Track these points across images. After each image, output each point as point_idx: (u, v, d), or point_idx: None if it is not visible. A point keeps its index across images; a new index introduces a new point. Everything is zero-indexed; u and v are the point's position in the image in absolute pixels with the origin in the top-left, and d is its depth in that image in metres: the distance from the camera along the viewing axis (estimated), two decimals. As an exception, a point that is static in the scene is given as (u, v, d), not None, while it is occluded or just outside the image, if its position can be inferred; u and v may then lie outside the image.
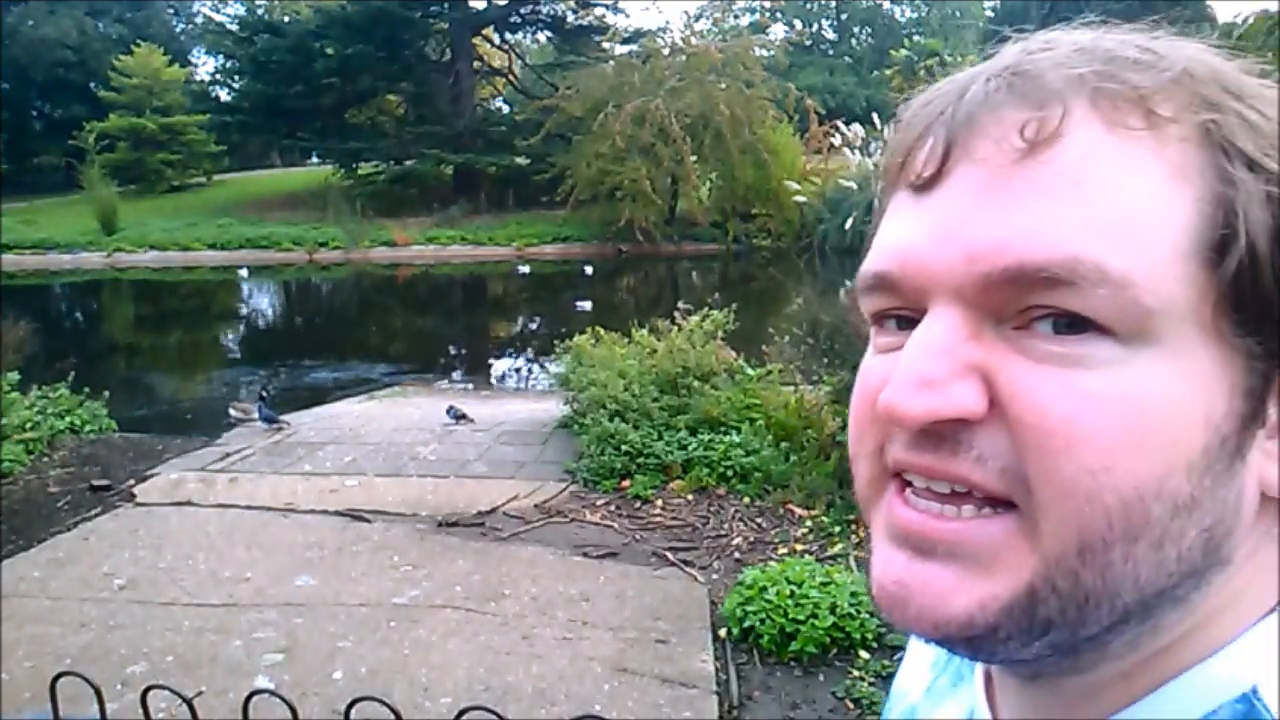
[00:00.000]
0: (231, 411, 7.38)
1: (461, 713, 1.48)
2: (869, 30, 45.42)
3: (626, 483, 5.35)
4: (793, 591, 3.53)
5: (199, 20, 39.89)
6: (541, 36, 35.55)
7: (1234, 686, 0.35)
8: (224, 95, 35.20)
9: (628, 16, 50.42)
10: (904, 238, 0.38)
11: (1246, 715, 0.35)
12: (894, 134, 0.41)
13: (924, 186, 0.38)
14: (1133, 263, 0.33)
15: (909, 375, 0.35)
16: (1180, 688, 0.37)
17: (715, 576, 4.29)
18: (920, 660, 0.56)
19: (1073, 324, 0.34)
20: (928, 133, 0.38)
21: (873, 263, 0.39)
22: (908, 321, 0.38)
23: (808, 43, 41.51)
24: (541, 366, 10.53)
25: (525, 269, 21.00)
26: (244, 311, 19.47)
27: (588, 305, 13.72)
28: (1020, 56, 0.37)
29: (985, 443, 0.35)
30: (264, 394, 7.15)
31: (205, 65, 40.34)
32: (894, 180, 0.40)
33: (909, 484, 0.37)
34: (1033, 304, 0.34)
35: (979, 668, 0.48)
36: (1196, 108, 0.35)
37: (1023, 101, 0.35)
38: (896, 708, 0.56)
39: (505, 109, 35.12)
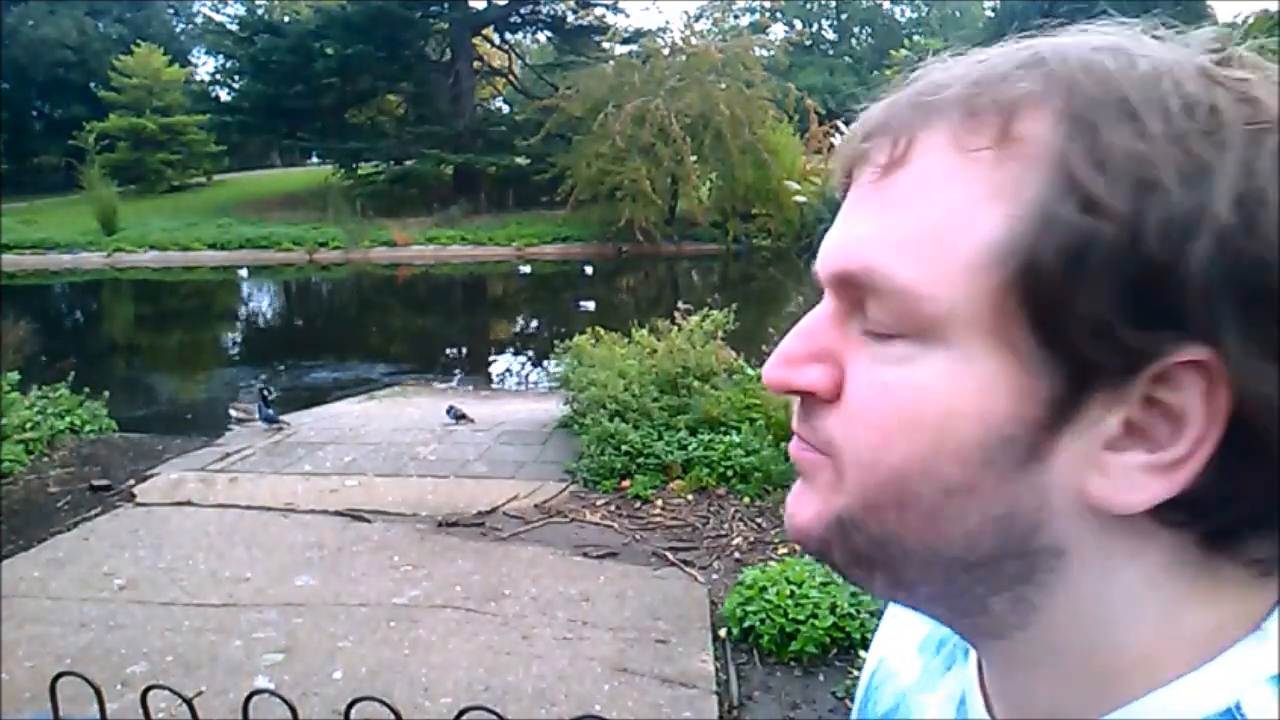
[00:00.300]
0: (232, 412, 7.38)
1: (461, 713, 1.48)
2: (869, 30, 45.45)
3: (626, 483, 5.35)
4: (793, 591, 3.53)
5: (199, 20, 39.91)
6: (541, 36, 35.56)
7: (1216, 701, 0.36)
8: (224, 95, 35.21)
9: (628, 16, 50.39)
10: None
11: None
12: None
13: (841, 199, 0.43)
14: (920, 274, 0.36)
15: (778, 351, 0.42)
16: (1158, 701, 0.37)
17: (715, 576, 4.29)
18: (905, 640, 0.56)
19: None
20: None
21: None
22: None
23: (808, 43, 41.52)
24: (541, 366, 10.53)
25: (526, 269, 20.99)
26: (244, 311, 19.48)
27: (591, 305, 13.68)
28: (917, 78, 0.40)
29: (821, 419, 0.41)
30: (265, 394, 7.15)
31: (205, 65, 40.39)
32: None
33: None
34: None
35: (973, 651, 0.48)
36: (1048, 126, 0.35)
37: (892, 127, 0.39)
38: (886, 689, 0.56)
39: (505, 109, 35.11)
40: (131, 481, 5.76)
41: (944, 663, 0.51)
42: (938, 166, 0.37)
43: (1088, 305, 0.34)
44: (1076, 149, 0.34)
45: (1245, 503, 0.35)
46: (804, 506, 0.42)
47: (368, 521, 5.01)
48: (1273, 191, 0.33)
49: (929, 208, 0.37)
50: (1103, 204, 0.34)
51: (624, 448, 5.45)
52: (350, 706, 1.54)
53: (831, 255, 0.41)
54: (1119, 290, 0.33)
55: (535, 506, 5.18)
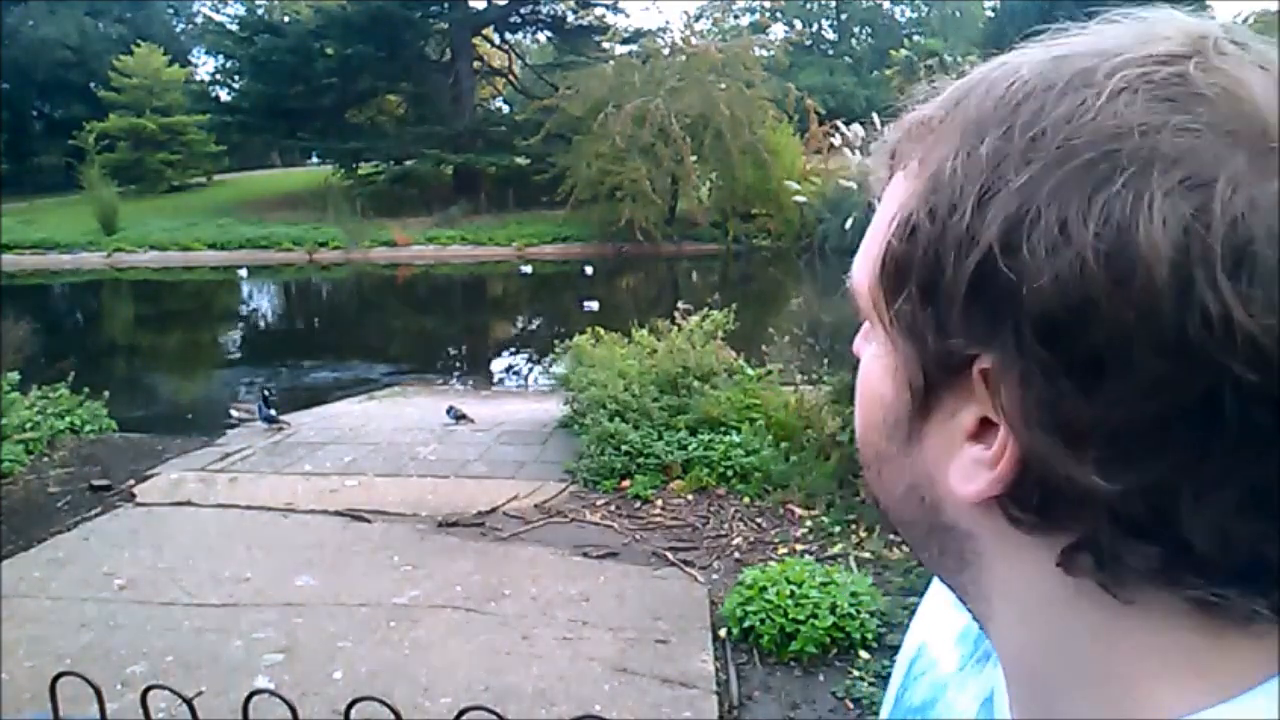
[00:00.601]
0: (232, 412, 7.38)
1: (461, 713, 1.48)
2: (869, 30, 45.41)
3: (626, 483, 5.35)
4: (793, 591, 3.53)
5: (199, 20, 39.91)
6: (541, 36, 35.57)
7: None
8: (224, 95, 35.22)
9: (628, 16, 50.24)
10: None
11: None
12: None
13: None
14: (859, 277, 0.42)
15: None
16: None
17: (715, 576, 4.29)
18: (945, 627, 0.55)
19: None
20: None
21: None
22: None
23: (808, 43, 41.50)
24: (542, 366, 10.53)
25: (528, 269, 20.97)
26: (244, 312, 19.49)
27: (595, 305, 13.65)
28: (937, 89, 0.42)
29: None
30: (266, 394, 7.15)
31: (205, 65, 40.35)
32: None
33: None
34: None
35: None
36: (940, 149, 0.37)
37: (889, 143, 0.43)
38: (924, 680, 0.56)
39: (505, 109, 35.13)
40: (131, 481, 5.75)
41: (979, 660, 0.52)
42: (894, 183, 0.41)
43: (907, 312, 0.38)
44: (935, 173, 0.37)
45: (1076, 519, 0.35)
46: None
47: (368, 521, 5.01)
48: (1050, 212, 0.33)
49: (877, 219, 0.42)
50: (917, 225, 0.37)
51: (624, 448, 5.45)
52: (350, 706, 1.54)
53: None
54: (922, 301, 0.37)
55: (535, 506, 5.18)
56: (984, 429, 0.37)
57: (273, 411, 6.97)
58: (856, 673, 3.33)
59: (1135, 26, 0.36)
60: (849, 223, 19.88)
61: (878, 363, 0.42)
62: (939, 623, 0.57)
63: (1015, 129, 0.35)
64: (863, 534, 4.61)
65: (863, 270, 0.42)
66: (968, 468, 0.38)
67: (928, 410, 0.39)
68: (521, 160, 27.33)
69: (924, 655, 0.57)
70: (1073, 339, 0.33)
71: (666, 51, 24.25)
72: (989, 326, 0.35)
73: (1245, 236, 0.30)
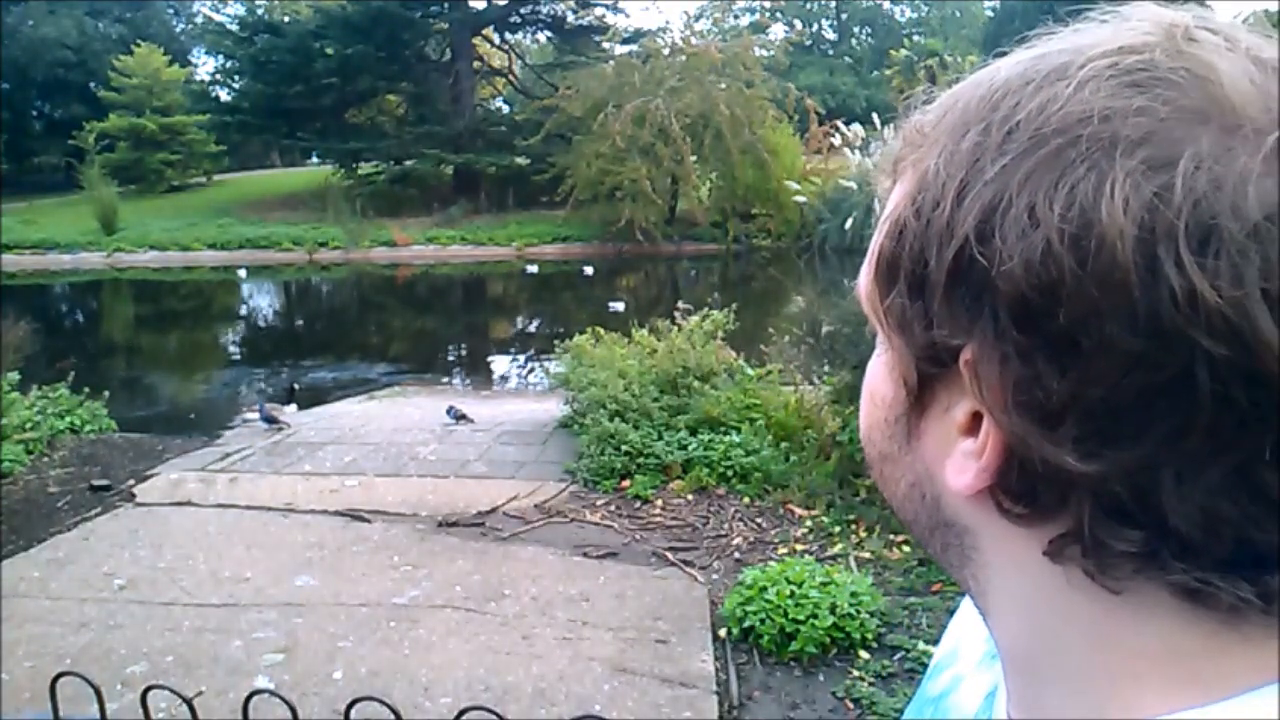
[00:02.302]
0: (251, 415, 7.43)
1: (461, 713, 1.48)
2: (869, 30, 45.45)
3: (626, 483, 5.35)
4: (793, 591, 3.53)
5: (199, 20, 39.84)
6: (541, 36, 35.54)
7: None
8: (224, 95, 35.12)
9: (628, 16, 50.32)
10: None
11: None
12: None
13: None
14: (861, 281, 0.43)
15: None
16: None
17: (715, 576, 4.29)
18: (975, 630, 0.55)
19: None
20: None
21: None
22: None
23: (808, 43, 41.50)
24: (542, 366, 10.53)
25: (533, 268, 20.96)
26: (244, 311, 19.48)
27: (620, 306, 13.63)
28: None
29: None
30: (293, 388, 7.26)
31: (205, 65, 40.25)
32: None
33: None
34: None
35: None
36: (931, 150, 0.39)
37: (892, 151, 0.43)
38: (949, 670, 0.56)
39: (505, 109, 35.09)
40: (131, 481, 5.75)
41: (994, 655, 0.51)
42: (894, 191, 0.42)
43: (898, 307, 0.39)
44: (922, 174, 0.38)
45: (1062, 507, 0.35)
46: None
47: (368, 521, 5.01)
48: (1021, 199, 0.34)
49: (877, 227, 0.42)
50: (905, 224, 0.38)
51: (624, 448, 5.45)
52: (350, 706, 1.54)
53: None
54: (910, 295, 0.38)
55: (535, 506, 5.18)
56: (975, 422, 0.38)
57: (294, 406, 7.05)
58: (856, 673, 3.33)
59: (1113, 23, 0.37)
60: (849, 223, 19.92)
61: (878, 362, 0.43)
62: (969, 625, 0.57)
63: (993, 124, 0.36)
64: (863, 534, 4.61)
65: (863, 275, 0.43)
66: (959, 461, 0.39)
67: (923, 406, 0.40)
68: (521, 160, 27.30)
69: (957, 647, 0.58)
70: (1044, 319, 0.33)
71: (666, 51, 24.23)
72: (969, 315, 0.36)
73: (1209, 213, 0.31)
